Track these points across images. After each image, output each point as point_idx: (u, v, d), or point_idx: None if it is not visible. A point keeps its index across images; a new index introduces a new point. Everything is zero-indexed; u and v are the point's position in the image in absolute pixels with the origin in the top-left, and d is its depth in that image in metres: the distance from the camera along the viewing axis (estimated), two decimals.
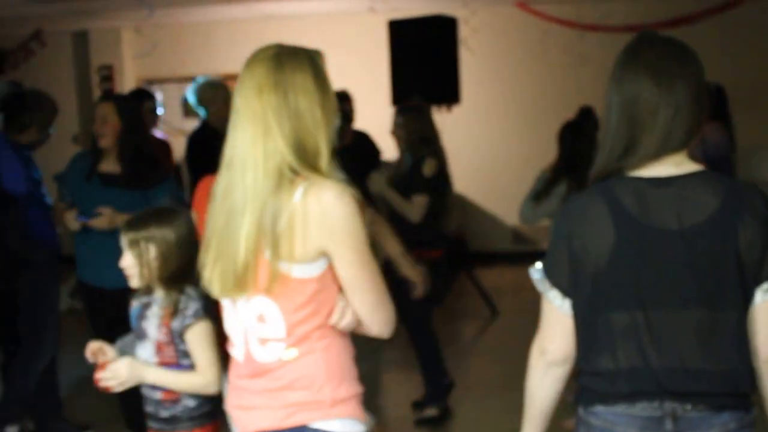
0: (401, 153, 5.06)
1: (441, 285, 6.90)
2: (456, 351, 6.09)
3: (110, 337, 2.81)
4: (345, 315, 1.97)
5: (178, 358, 2.61)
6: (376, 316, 1.99)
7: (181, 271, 2.60)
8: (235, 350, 2.06)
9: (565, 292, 1.94)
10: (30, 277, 4.43)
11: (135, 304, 2.73)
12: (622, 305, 1.87)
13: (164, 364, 2.62)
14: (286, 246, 1.88)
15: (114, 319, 3.45)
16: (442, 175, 4.94)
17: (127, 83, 9.73)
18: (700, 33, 7.40)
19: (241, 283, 1.94)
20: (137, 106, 4.40)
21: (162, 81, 9.61)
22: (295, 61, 1.94)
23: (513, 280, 8.11)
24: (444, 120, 7.41)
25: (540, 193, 4.62)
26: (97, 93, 9.89)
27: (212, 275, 2.00)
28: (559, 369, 2.00)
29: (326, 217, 1.89)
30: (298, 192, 1.89)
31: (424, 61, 6.88)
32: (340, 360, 2.01)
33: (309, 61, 1.96)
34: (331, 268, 1.95)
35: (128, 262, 2.64)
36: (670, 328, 1.85)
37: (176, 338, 2.59)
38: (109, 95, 6.60)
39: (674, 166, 1.91)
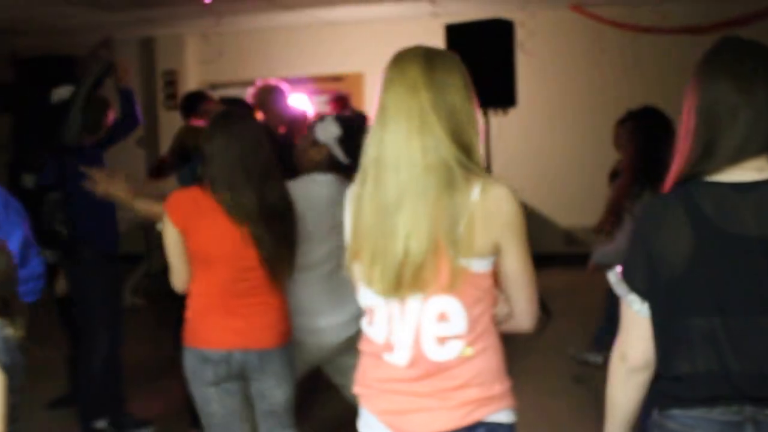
0: None
1: None
2: (508, 353, 6.08)
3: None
4: (504, 305, 2.06)
5: None
6: (530, 309, 2.07)
7: None
8: (396, 354, 2.01)
9: (644, 296, 1.90)
10: (76, 275, 4.59)
11: None
12: (699, 310, 1.83)
13: None
14: (467, 242, 1.90)
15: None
16: None
17: (190, 87, 9.99)
18: (756, 34, 7.34)
19: (416, 283, 1.93)
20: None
21: (224, 85, 9.85)
22: (446, 62, 1.97)
23: (566, 281, 8.09)
24: (500, 123, 7.50)
25: (622, 213, 4.26)
26: (161, 97, 10.19)
27: (371, 275, 1.97)
28: (640, 375, 1.95)
29: (504, 214, 1.94)
30: (476, 190, 1.91)
31: (481, 64, 6.85)
32: (501, 353, 2.07)
33: (456, 61, 1.99)
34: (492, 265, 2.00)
35: None
36: (749, 334, 1.80)
37: None
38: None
39: (756, 171, 1.84)
